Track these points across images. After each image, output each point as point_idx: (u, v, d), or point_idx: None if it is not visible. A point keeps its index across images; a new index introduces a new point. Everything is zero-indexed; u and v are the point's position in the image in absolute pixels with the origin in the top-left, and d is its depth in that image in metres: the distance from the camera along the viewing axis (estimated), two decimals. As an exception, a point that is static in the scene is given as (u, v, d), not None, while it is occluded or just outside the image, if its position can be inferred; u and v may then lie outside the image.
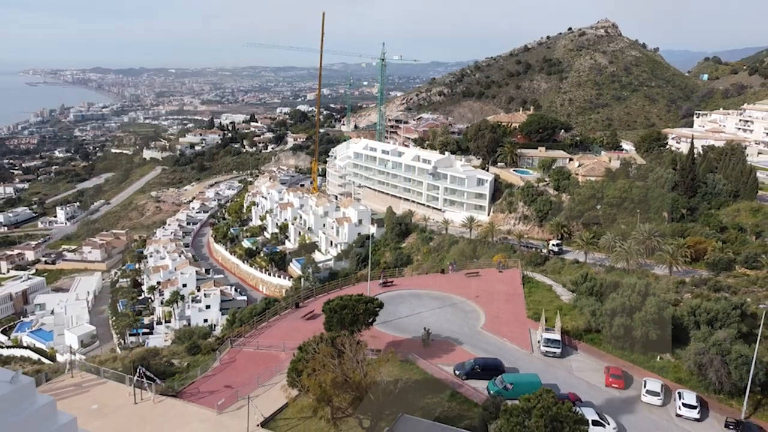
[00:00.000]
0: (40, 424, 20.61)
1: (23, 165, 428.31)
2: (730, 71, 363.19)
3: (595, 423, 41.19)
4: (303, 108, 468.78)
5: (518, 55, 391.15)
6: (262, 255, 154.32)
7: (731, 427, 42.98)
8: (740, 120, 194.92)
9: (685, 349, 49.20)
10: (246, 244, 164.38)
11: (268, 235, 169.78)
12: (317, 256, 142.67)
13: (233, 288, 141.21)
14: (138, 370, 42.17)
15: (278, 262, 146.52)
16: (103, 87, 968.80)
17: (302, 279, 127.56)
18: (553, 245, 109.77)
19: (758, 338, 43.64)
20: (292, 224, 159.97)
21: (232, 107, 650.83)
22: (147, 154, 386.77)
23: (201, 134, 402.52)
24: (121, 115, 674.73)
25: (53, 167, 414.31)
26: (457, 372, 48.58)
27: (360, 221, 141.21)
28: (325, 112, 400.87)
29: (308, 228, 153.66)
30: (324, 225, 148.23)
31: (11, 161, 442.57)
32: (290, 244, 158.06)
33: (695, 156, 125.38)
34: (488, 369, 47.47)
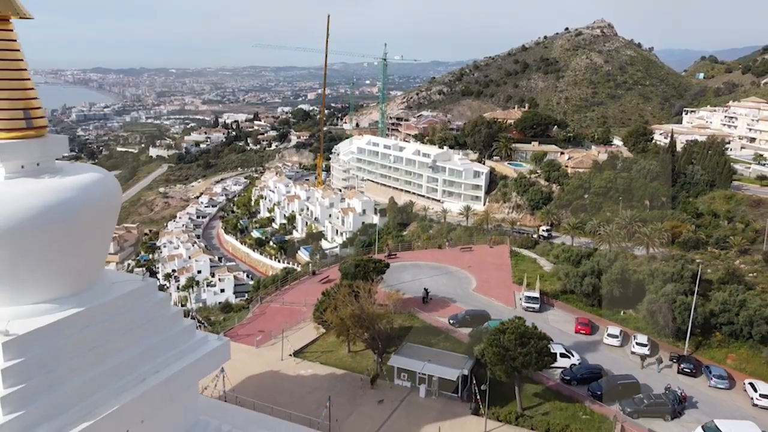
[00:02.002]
0: (160, 308, 30.44)
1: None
2: (725, 70, 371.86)
3: (563, 355, 50.77)
4: (304, 107, 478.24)
5: (516, 54, 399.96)
6: (271, 244, 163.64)
7: (674, 360, 52.53)
8: (725, 116, 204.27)
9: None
10: (255, 234, 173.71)
11: (276, 226, 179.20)
12: (324, 244, 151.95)
13: (245, 274, 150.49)
14: (190, 315, 51.63)
15: (287, 250, 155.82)
16: (104, 87, 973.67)
17: (310, 264, 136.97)
18: (543, 231, 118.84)
19: (695, 290, 53.06)
20: (300, 215, 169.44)
21: (233, 107, 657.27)
22: (153, 152, 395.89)
23: (206, 132, 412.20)
24: (122, 115, 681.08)
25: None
26: (451, 321, 58.11)
27: (364, 211, 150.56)
28: (326, 111, 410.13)
29: (315, 218, 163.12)
30: (330, 215, 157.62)
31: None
32: (298, 234, 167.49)
33: (675, 149, 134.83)
34: (476, 317, 56.92)
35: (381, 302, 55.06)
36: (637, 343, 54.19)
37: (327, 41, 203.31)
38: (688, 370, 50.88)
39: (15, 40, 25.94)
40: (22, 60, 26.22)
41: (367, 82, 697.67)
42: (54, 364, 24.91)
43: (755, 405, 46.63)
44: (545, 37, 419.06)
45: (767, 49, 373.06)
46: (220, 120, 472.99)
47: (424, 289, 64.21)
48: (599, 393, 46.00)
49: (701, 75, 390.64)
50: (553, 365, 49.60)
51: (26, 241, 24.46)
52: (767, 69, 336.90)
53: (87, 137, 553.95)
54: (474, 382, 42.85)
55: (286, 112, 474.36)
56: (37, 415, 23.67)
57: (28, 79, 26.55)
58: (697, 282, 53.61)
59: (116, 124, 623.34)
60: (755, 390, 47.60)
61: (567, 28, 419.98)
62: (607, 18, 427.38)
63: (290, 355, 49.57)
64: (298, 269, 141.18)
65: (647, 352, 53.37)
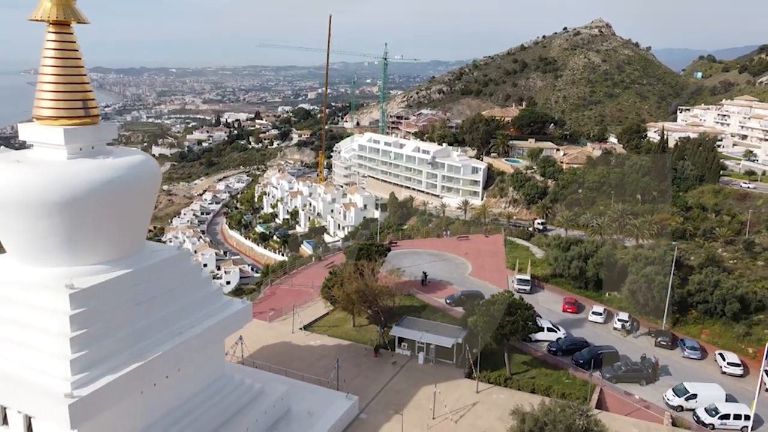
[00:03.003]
0: (194, 274, 35.13)
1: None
2: (722, 69, 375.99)
3: (550, 330, 55.40)
4: (305, 106, 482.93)
5: (515, 54, 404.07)
6: (275, 238, 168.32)
7: (652, 334, 57.18)
8: (718, 115, 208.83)
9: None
10: (259, 229, 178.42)
11: (279, 221, 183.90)
12: (326, 238, 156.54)
13: (250, 267, 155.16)
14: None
15: (290, 244, 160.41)
16: (105, 87, 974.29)
17: (313, 258, 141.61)
18: (539, 224, 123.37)
19: (671, 270, 57.63)
20: (302, 210, 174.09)
21: (234, 106, 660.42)
22: (156, 150, 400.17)
23: (208, 131, 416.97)
24: (123, 114, 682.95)
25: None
26: (448, 301, 62.71)
27: (365, 206, 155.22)
28: (327, 110, 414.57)
29: (317, 213, 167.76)
30: (332, 210, 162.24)
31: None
32: (301, 228, 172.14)
33: (666, 146, 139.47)
34: (471, 297, 61.33)
35: (383, 281, 59.78)
36: (619, 320, 58.84)
37: (329, 41, 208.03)
38: (665, 343, 55.53)
39: (75, 42, 30.51)
40: (80, 59, 30.78)
41: (368, 81, 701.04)
42: (109, 315, 29.53)
43: (723, 373, 51.22)
44: (544, 37, 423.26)
45: (763, 49, 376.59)
46: (221, 119, 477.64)
47: (423, 272, 68.90)
48: (581, 361, 50.57)
49: (699, 74, 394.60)
50: (540, 339, 54.54)
51: (86, 210, 29.09)
52: (763, 68, 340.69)
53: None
54: (467, 349, 47.42)
55: (287, 112, 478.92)
56: (96, 356, 28.27)
57: (85, 75, 31.12)
58: (673, 262, 58.12)
59: (117, 123, 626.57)
60: (724, 359, 52.24)
61: (565, 28, 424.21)
62: (605, 18, 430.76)
63: (300, 328, 54.24)
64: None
65: (629, 328, 58.10)
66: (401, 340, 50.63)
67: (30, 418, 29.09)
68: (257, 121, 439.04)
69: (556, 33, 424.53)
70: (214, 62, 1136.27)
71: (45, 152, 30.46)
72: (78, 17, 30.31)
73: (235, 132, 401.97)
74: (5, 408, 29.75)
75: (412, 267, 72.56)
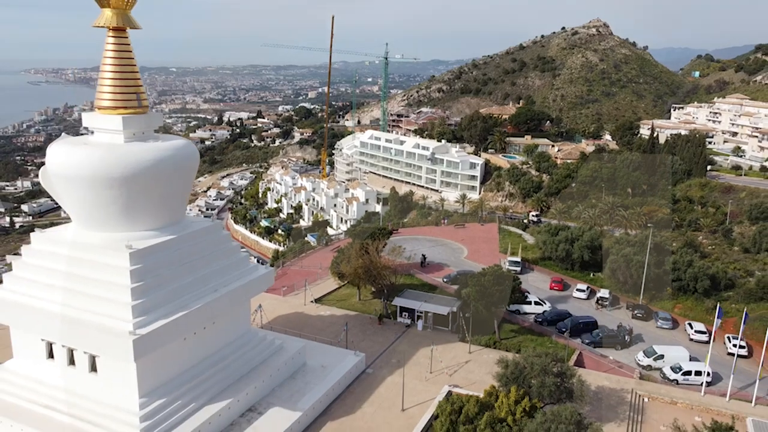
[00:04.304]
0: (226, 241, 41.11)
1: (35, 161, 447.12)
2: (719, 68, 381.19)
3: (536, 303, 61.30)
4: (306, 105, 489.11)
5: (514, 53, 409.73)
6: (279, 232, 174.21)
7: (630, 308, 63.11)
8: (710, 112, 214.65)
9: (608, 266, 69.30)
10: (264, 223, 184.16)
11: (284, 215, 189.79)
12: (329, 231, 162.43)
13: (256, 259, 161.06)
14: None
15: (294, 237, 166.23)
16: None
17: (326, 232, 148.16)
18: (533, 216, 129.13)
19: (647, 250, 63.51)
20: (306, 205, 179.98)
21: (235, 105, 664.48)
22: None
23: (211, 130, 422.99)
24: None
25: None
26: (445, 280, 68.67)
27: (367, 200, 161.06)
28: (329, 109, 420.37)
29: (320, 208, 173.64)
30: (335, 205, 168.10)
31: (23, 158, 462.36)
32: (304, 222, 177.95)
33: (656, 142, 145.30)
34: (466, 276, 67.29)
35: (385, 261, 65.68)
36: (600, 297, 64.77)
37: (331, 41, 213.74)
38: (640, 315, 61.49)
39: (129, 44, 36.42)
40: (133, 58, 36.72)
41: (369, 80, 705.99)
42: (160, 272, 35.45)
43: (691, 339, 57.13)
44: (542, 36, 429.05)
45: (759, 48, 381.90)
46: (224, 118, 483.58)
47: (422, 255, 74.84)
48: (564, 330, 56.48)
49: (697, 73, 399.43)
50: (528, 312, 60.46)
51: (140, 184, 35.05)
52: (758, 67, 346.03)
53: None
54: (461, 316, 53.31)
55: (288, 110, 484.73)
56: (151, 304, 34.16)
57: (137, 72, 37.03)
58: (649, 242, 64.05)
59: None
60: (692, 328, 58.18)
61: (563, 28, 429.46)
62: (605, 18, 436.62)
63: (312, 301, 60.22)
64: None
65: (609, 303, 64.08)
66: (402, 309, 56.59)
67: (95, 357, 34.99)
68: (259, 119, 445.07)
69: (554, 32, 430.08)
70: (214, 62, 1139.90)
71: (105, 137, 36.41)
72: (132, 24, 36.22)
73: (238, 130, 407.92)
74: (72, 350, 35.67)
75: (412, 251, 78.35)
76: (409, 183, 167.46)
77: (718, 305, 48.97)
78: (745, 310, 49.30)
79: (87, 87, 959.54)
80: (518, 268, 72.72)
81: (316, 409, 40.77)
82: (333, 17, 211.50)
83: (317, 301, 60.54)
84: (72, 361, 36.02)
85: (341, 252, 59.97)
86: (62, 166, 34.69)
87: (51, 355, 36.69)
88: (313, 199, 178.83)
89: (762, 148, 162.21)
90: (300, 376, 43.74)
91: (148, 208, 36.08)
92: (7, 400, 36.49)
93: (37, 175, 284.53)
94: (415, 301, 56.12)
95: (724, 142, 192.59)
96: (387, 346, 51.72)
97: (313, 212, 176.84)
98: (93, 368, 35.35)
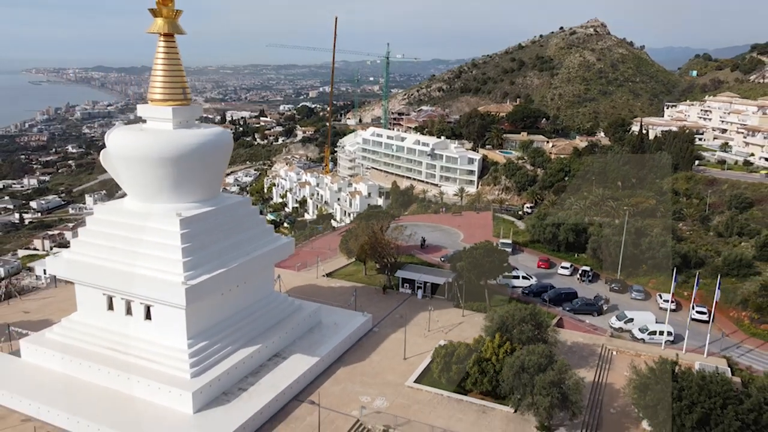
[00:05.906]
0: (254, 214, 48.40)
1: (40, 159, 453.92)
2: (716, 67, 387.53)
3: (524, 278, 68.55)
4: (307, 104, 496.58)
5: (513, 53, 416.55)
6: (285, 225, 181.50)
7: (608, 282, 70.35)
8: (701, 110, 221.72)
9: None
10: (270, 217, 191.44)
11: (289, 209, 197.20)
12: (333, 224, 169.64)
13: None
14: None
15: (299, 230, 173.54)
16: (106, 85, 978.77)
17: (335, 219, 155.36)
18: (527, 208, 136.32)
19: (624, 230, 70.68)
20: (310, 199, 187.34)
21: (236, 105, 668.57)
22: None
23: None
24: (126, 113, 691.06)
25: (70, 161, 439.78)
26: (442, 259, 75.98)
27: (369, 194, 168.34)
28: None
29: (325, 202, 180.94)
30: (338, 198, 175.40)
31: (27, 156, 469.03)
32: (309, 216, 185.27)
33: (646, 138, 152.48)
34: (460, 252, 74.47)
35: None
36: (581, 273, 71.98)
37: (335, 42, 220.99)
38: (617, 288, 68.80)
39: (176, 47, 43.70)
40: (179, 59, 43.92)
41: (371, 79, 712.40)
42: (203, 236, 42.71)
43: (661, 308, 64.27)
44: (541, 36, 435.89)
45: (755, 48, 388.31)
46: (226, 117, 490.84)
47: (422, 237, 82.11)
48: (546, 299, 63.70)
49: (694, 72, 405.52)
50: (516, 285, 67.64)
51: (187, 163, 42.32)
52: (753, 66, 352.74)
53: (93, 135, 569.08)
54: (456, 285, 60.51)
55: (289, 110, 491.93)
56: (197, 261, 41.39)
57: (182, 69, 44.24)
58: (625, 223, 71.30)
59: (121, 121, 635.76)
60: (661, 298, 65.37)
61: (562, 28, 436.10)
62: (603, 18, 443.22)
63: (323, 275, 67.47)
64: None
65: (590, 278, 71.38)
66: (404, 281, 63.83)
67: (149, 307, 42.21)
68: (262, 118, 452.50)
69: (552, 32, 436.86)
70: (215, 61, 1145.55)
71: (157, 124, 43.68)
72: (179, 30, 43.47)
73: (241, 129, 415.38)
74: (130, 302, 42.89)
75: (413, 235, 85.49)
76: (409, 178, 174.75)
77: (697, 275, 56.45)
78: (698, 273, 56.77)
79: (88, 87, 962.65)
80: (509, 249, 79.84)
81: (331, 357, 48.04)
82: (336, 18, 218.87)
83: (328, 275, 67.83)
84: (129, 311, 43.24)
85: (350, 231, 67.35)
86: (123, 148, 42.06)
87: (111, 307, 43.90)
88: (318, 194, 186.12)
89: (747, 144, 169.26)
90: (316, 331, 51.04)
91: (192, 184, 43.35)
92: (75, 344, 43.72)
93: (42, 174, 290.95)
94: (416, 273, 63.40)
95: (714, 138, 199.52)
96: (390, 311, 58.95)
97: (317, 206, 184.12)
98: (147, 316, 42.56)
